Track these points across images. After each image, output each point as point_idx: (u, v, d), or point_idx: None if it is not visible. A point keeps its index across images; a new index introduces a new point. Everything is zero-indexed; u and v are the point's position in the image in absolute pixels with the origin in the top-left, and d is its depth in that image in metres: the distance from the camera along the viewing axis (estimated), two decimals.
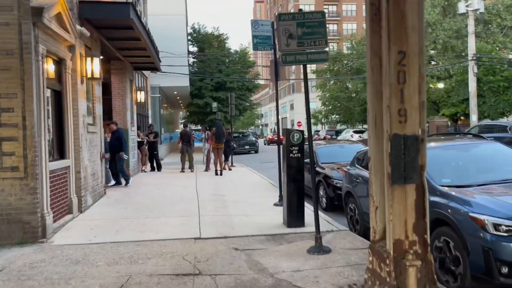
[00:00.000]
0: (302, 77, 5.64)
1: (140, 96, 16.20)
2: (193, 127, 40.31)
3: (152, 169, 16.43)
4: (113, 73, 13.49)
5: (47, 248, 5.82)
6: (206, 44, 35.07)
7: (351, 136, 31.43)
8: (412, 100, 3.33)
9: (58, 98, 7.41)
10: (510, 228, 3.90)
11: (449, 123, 31.20)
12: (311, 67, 65.32)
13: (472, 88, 25.54)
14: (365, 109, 34.35)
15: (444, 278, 4.39)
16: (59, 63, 7.39)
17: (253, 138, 35.17)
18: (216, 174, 14.66)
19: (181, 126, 18.10)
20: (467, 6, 25.28)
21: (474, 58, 25.60)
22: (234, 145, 20.25)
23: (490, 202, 4.25)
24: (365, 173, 6.76)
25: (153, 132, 16.72)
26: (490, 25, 34.53)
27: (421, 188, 3.39)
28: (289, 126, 60.62)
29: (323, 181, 9.59)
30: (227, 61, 35.17)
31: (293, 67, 55.63)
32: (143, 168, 16.27)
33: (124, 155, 11.58)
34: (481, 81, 26.99)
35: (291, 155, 6.61)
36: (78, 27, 7.91)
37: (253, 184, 12.50)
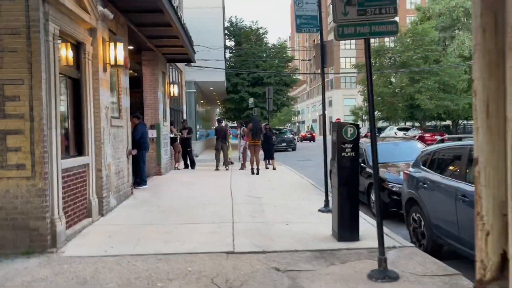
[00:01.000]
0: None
1: (174, 90, 15.36)
2: (230, 124, 39.52)
3: (186, 166, 15.60)
4: (144, 65, 12.72)
5: (55, 260, 4.97)
6: (244, 38, 34.05)
7: (395, 133, 29.69)
8: None
9: (76, 87, 6.57)
10: None
11: None
12: (351, 59, 63.56)
13: None
14: (411, 105, 32.68)
15: None
16: (77, 47, 6.54)
17: (290, 135, 33.91)
18: (253, 173, 13.62)
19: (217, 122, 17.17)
20: None
21: None
22: (276, 141, 18.69)
23: None
24: (436, 177, 5.52)
25: (187, 128, 15.85)
26: None
27: None
28: (327, 123, 58.82)
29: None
30: (264, 55, 34.05)
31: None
32: (176, 166, 15.50)
33: (133, 151, 9.78)
34: None
35: (343, 153, 5.47)
36: (100, 7, 7.06)
37: (292, 184, 11.38)
